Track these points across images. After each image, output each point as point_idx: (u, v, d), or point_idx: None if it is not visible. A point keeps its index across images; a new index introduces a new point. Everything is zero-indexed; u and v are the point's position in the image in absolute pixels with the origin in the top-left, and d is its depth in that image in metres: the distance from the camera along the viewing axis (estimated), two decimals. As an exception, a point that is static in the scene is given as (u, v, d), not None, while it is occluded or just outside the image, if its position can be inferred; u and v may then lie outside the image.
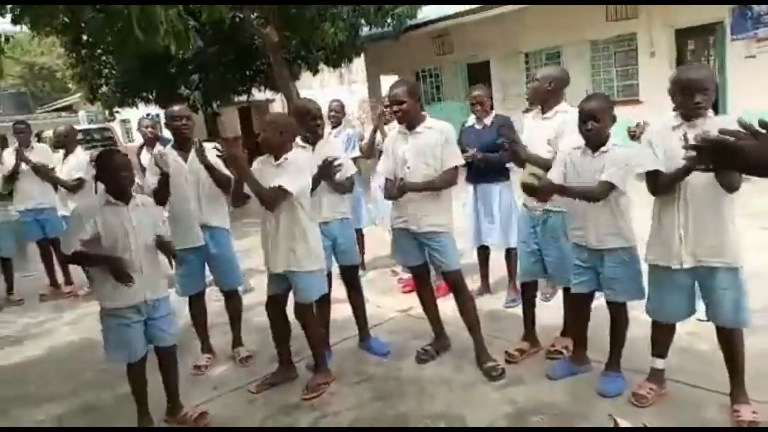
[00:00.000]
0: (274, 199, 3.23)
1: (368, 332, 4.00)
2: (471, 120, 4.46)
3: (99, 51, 13.44)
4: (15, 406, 3.75)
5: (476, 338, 3.53)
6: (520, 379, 3.34)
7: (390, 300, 4.86)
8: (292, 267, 3.33)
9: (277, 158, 3.34)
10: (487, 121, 4.36)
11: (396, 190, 3.37)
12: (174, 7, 2.73)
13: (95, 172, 3.07)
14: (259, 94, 17.14)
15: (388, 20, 10.88)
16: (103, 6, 2.83)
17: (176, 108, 3.89)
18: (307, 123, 3.66)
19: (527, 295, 3.70)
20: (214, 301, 4.40)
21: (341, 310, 4.10)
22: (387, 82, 15.57)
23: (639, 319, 3.15)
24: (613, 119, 3.00)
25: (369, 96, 15.69)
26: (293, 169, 3.28)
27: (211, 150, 3.69)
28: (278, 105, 20.42)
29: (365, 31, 12.81)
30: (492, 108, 4.43)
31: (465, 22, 12.00)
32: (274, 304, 3.52)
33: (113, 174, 2.95)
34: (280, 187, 3.19)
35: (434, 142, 3.43)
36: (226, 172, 3.76)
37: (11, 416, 3.64)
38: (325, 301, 3.78)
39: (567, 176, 3.10)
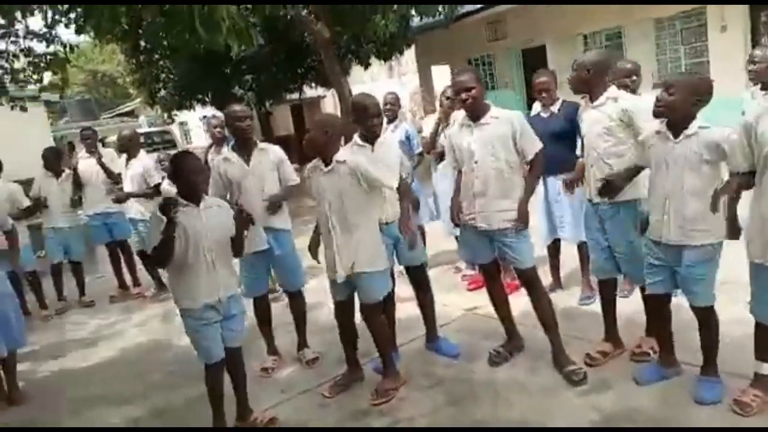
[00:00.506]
0: (408, 191, 3.33)
1: (436, 333, 3.85)
2: (536, 108, 4.23)
3: (157, 56, 13.84)
4: (90, 407, 3.83)
5: (554, 339, 3.33)
6: (605, 384, 3.11)
7: (455, 298, 4.70)
8: (356, 269, 3.23)
9: (326, 162, 3.23)
10: (554, 108, 4.11)
11: (521, 224, 3.23)
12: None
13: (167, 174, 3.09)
14: (311, 91, 17.26)
15: (440, 9, 10.63)
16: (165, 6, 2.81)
17: (238, 108, 3.86)
18: (365, 121, 3.51)
19: (606, 293, 3.45)
20: (276, 302, 4.37)
21: (406, 309, 3.97)
22: (438, 72, 15.31)
23: (742, 317, 2.87)
24: (697, 100, 2.67)
25: (420, 87, 15.48)
26: (369, 172, 3.16)
27: None
28: (329, 101, 20.51)
29: (416, 21, 12.61)
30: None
31: (519, 5, 11.61)
32: (344, 310, 3.43)
33: (186, 176, 2.96)
34: (401, 180, 3.25)
35: (502, 132, 3.24)
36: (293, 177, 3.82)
37: (85, 417, 3.71)
38: (389, 300, 3.68)
39: (652, 165, 2.85)
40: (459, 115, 3.58)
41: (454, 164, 3.48)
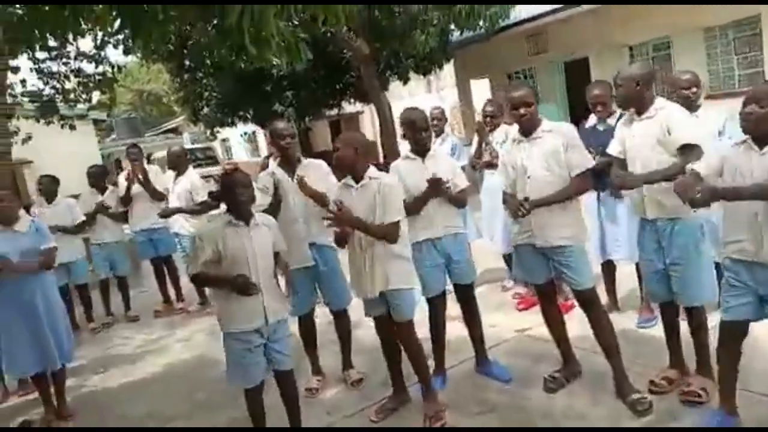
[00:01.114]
0: (395, 236, 3.07)
1: (486, 356, 3.70)
2: (591, 121, 4.07)
3: (200, 75, 14.17)
4: (135, 425, 3.82)
5: (615, 365, 3.14)
6: (672, 415, 2.90)
7: (504, 318, 4.53)
8: (390, 285, 3.15)
9: (356, 179, 3.17)
10: (611, 121, 3.94)
11: (522, 209, 3.04)
12: (285, 10, 2.64)
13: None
14: (349, 107, 17.39)
15: (480, 22, 10.51)
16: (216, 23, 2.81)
17: (281, 125, 3.83)
18: (413, 134, 3.45)
19: (667, 317, 3.24)
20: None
21: (454, 329, 3.83)
22: (477, 86, 15.18)
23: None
24: None
25: (459, 101, 15.37)
26: (388, 193, 3.09)
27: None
28: (367, 116, 20.62)
29: (455, 35, 12.55)
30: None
31: (561, 17, 11.42)
32: (383, 325, 3.35)
33: (231, 192, 2.92)
34: (395, 223, 3.06)
35: (555, 146, 3.12)
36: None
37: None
38: (441, 321, 3.58)
39: (726, 179, 2.64)
40: (512, 130, 3.47)
41: (506, 183, 3.36)
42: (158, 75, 30.21)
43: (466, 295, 3.64)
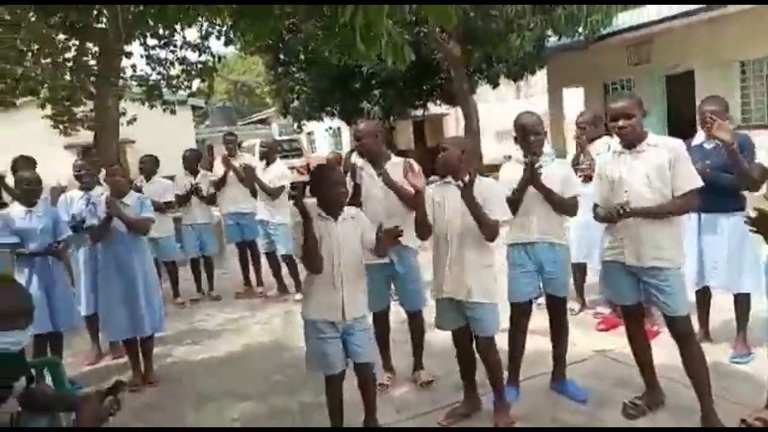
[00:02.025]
0: (495, 233, 3.05)
1: (564, 373, 3.58)
2: (699, 138, 3.83)
3: (293, 69, 14.63)
4: (212, 399, 3.99)
5: (704, 400, 2.95)
6: (767, 460, 2.70)
7: (583, 337, 4.34)
8: (472, 297, 3.09)
9: (457, 180, 3.12)
10: (720, 139, 3.70)
11: (618, 213, 2.92)
12: (399, 10, 2.67)
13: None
14: (434, 108, 17.36)
15: (580, 29, 10.15)
16: (326, 21, 2.89)
17: (359, 125, 3.88)
18: (524, 139, 3.37)
19: None
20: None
21: (530, 343, 3.72)
22: (570, 95, 14.70)
23: None
24: None
25: (549, 110, 14.95)
26: (491, 190, 3.10)
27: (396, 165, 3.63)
28: (452, 119, 20.49)
29: (552, 41, 12.22)
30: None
31: (672, 26, 10.82)
32: (460, 338, 3.32)
33: (323, 188, 2.96)
34: (497, 221, 3.05)
35: (660, 162, 2.95)
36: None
37: (207, 409, 3.86)
38: (519, 329, 3.51)
39: None
40: (614, 141, 3.33)
41: (597, 195, 3.23)
42: (252, 67, 31.51)
43: (556, 308, 3.53)
